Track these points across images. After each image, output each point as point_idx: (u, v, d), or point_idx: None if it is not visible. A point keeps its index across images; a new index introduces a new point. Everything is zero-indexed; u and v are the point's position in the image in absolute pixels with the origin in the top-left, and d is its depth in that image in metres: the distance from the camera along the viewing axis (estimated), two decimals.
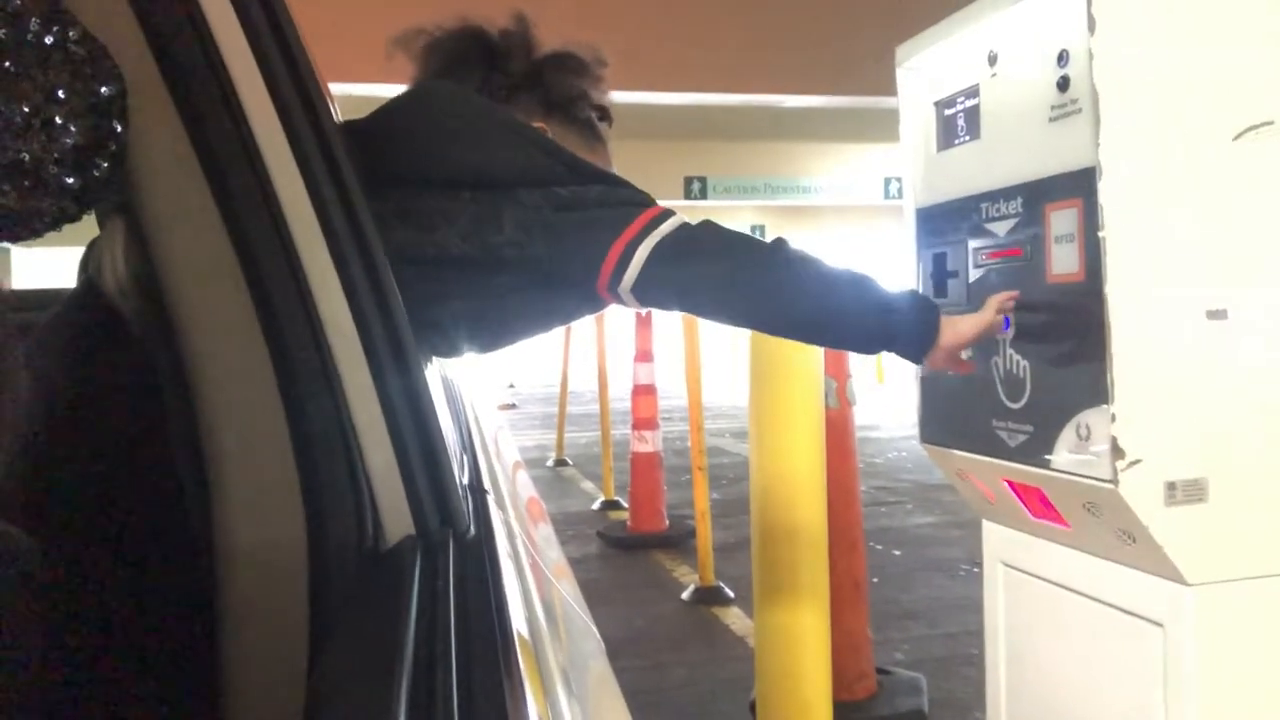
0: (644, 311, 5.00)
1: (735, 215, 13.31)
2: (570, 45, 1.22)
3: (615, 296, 1.05)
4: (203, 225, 0.59)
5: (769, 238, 1.12)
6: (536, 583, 0.75)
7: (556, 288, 1.06)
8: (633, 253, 1.01)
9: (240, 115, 0.58)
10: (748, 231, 1.11)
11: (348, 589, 0.59)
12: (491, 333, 1.08)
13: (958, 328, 1.21)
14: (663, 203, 1.07)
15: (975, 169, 1.47)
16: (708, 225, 1.08)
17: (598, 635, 0.94)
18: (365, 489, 0.61)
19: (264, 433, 0.61)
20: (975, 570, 4.32)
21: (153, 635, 0.62)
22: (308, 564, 0.61)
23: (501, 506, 0.86)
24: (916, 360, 1.20)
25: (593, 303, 1.08)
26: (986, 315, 1.27)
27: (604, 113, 1.25)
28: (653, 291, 1.03)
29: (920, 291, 1.34)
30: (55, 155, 0.45)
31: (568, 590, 1.00)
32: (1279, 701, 1.28)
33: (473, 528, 0.64)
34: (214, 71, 0.57)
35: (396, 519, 0.62)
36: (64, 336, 0.67)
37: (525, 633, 0.57)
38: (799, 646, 2.17)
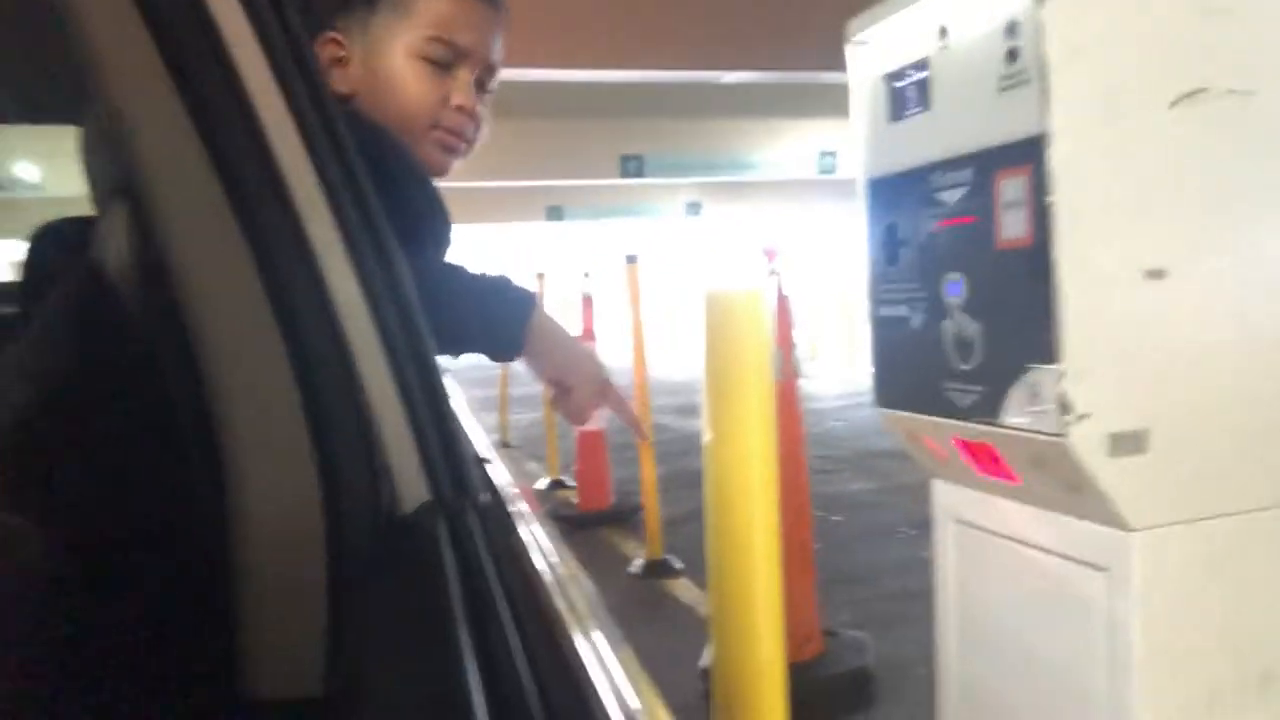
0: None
1: (673, 194, 13.34)
2: None
3: None
4: (211, 209, 0.59)
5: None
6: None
7: None
8: None
9: (246, 99, 0.58)
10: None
11: (369, 555, 0.60)
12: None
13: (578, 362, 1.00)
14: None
15: (926, 140, 1.52)
16: None
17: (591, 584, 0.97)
18: (379, 457, 0.62)
19: (276, 406, 0.62)
20: (914, 533, 4.46)
21: (170, 609, 0.62)
22: (324, 531, 0.62)
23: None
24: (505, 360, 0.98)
25: None
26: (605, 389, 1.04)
27: None
28: None
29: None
30: None
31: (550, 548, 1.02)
32: (1215, 636, 1.37)
33: (486, 493, 0.65)
34: (218, 58, 0.57)
35: (412, 485, 0.63)
36: (68, 322, 0.66)
37: (549, 584, 0.59)
38: (753, 611, 2.22)
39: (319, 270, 0.60)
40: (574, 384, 0.99)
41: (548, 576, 0.69)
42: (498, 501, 0.68)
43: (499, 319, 0.93)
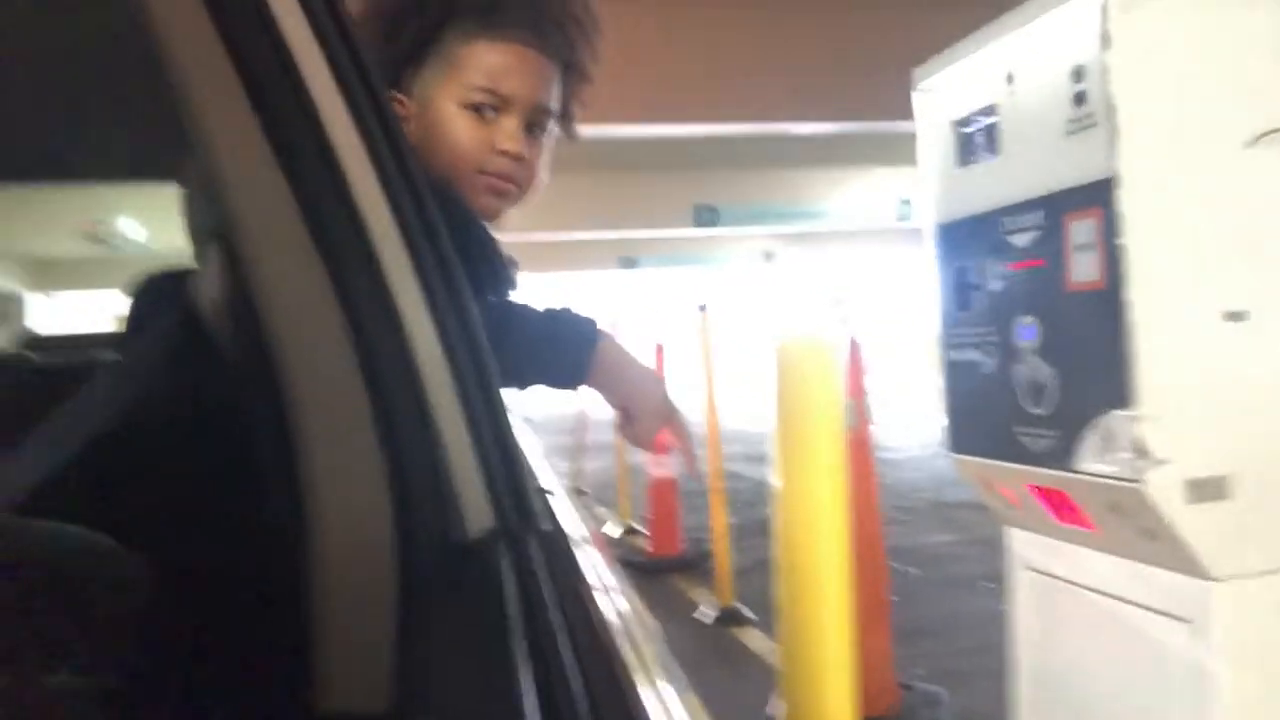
0: None
1: (747, 242, 13.36)
2: None
3: None
4: (298, 256, 0.63)
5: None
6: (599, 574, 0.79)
7: None
8: None
9: (332, 154, 0.63)
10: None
11: (436, 578, 0.63)
12: None
13: (647, 392, 1.01)
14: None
15: (995, 184, 1.52)
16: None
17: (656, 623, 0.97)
18: (448, 487, 0.65)
19: (353, 437, 0.65)
20: (993, 586, 4.31)
21: (249, 626, 0.66)
22: (395, 554, 0.65)
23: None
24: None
25: None
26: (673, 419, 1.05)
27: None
28: None
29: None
30: None
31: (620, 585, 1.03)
32: None
33: (548, 522, 0.68)
34: (304, 111, 0.62)
35: (478, 512, 0.66)
36: (162, 354, 0.71)
37: (610, 616, 0.60)
38: (823, 662, 2.19)
39: (396, 311, 0.64)
40: (639, 410, 0.99)
41: (613, 617, 0.71)
42: (559, 530, 0.71)
43: (564, 346, 0.94)
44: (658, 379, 1.01)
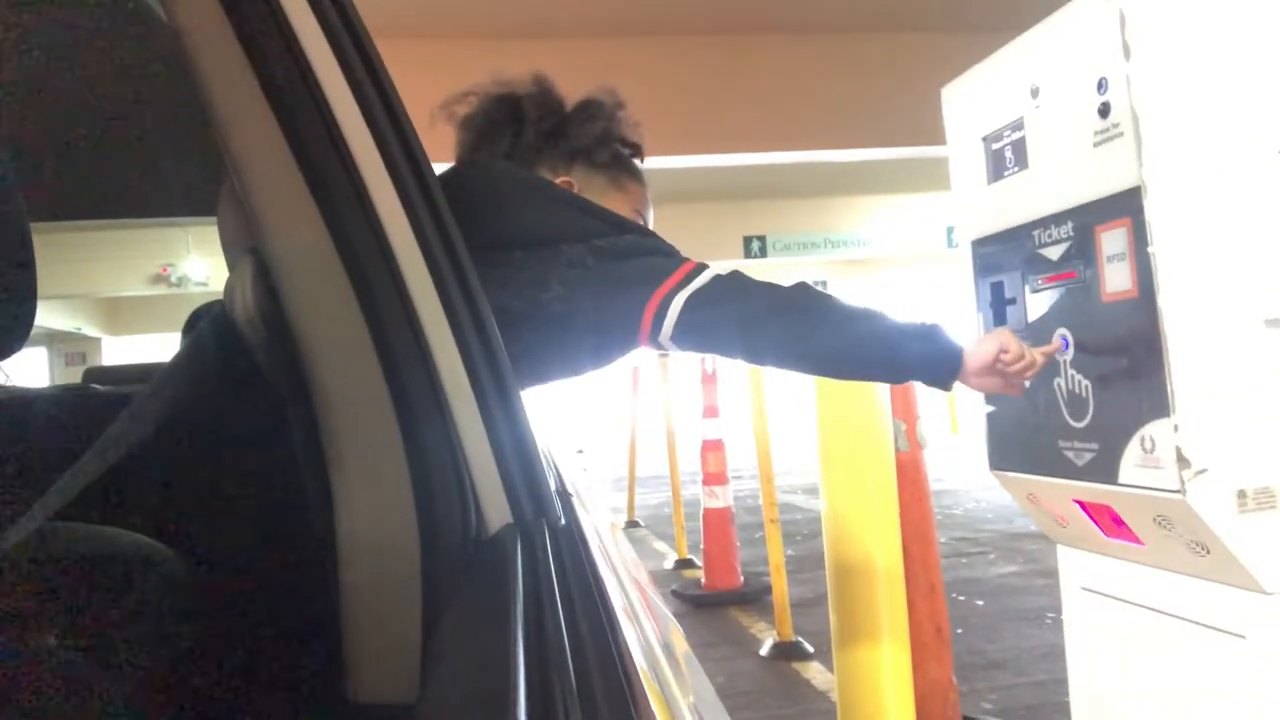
0: (670, 354, 5.08)
1: (797, 271, 13.35)
2: (589, 93, 1.28)
3: (654, 344, 1.12)
4: (323, 265, 0.68)
5: (831, 290, 1.18)
6: (619, 578, 0.81)
7: (601, 334, 1.14)
8: (668, 305, 1.08)
9: (354, 169, 0.67)
10: (811, 284, 1.18)
11: (456, 575, 0.66)
12: (535, 373, 1.14)
13: (980, 347, 1.19)
14: (723, 263, 1.15)
15: (1025, 198, 1.52)
16: (735, 275, 1.14)
17: (673, 618, 0.99)
18: (469, 485, 0.69)
19: (379, 440, 0.69)
20: (1062, 618, 4.21)
21: (284, 620, 0.69)
22: (420, 555, 0.68)
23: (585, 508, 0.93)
24: (945, 385, 1.19)
25: (630, 346, 1.15)
26: (1001, 336, 1.22)
27: (632, 149, 1.31)
28: (689, 338, 1.10)
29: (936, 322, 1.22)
30: None
31: (652, 595, 1.05)
32: None
33: (563, 518, 0.71)
34: (330, 135, 0.66)
35: (496, 510, 0.69)
36: (198, 363, 0.76)
37: (618, 607, 0.63)
38: (882, 691, 2.16)
39: (418, 321, 0.68)
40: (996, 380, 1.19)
41: (633, 617, 0.73)
42: (574, 527, 0.73)
43: (940, 357, 1.16)
44: (984, 349, 1.17)
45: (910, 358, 1.17)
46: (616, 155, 1.28)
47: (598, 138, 1.25)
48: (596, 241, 1.12)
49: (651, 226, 1.28)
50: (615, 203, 1.23)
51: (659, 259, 1.14)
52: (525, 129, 1.24)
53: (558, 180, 1.21)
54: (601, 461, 12.60)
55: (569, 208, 1.15)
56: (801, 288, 1.15)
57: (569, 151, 1.25)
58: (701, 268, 1.12)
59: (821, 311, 1.14)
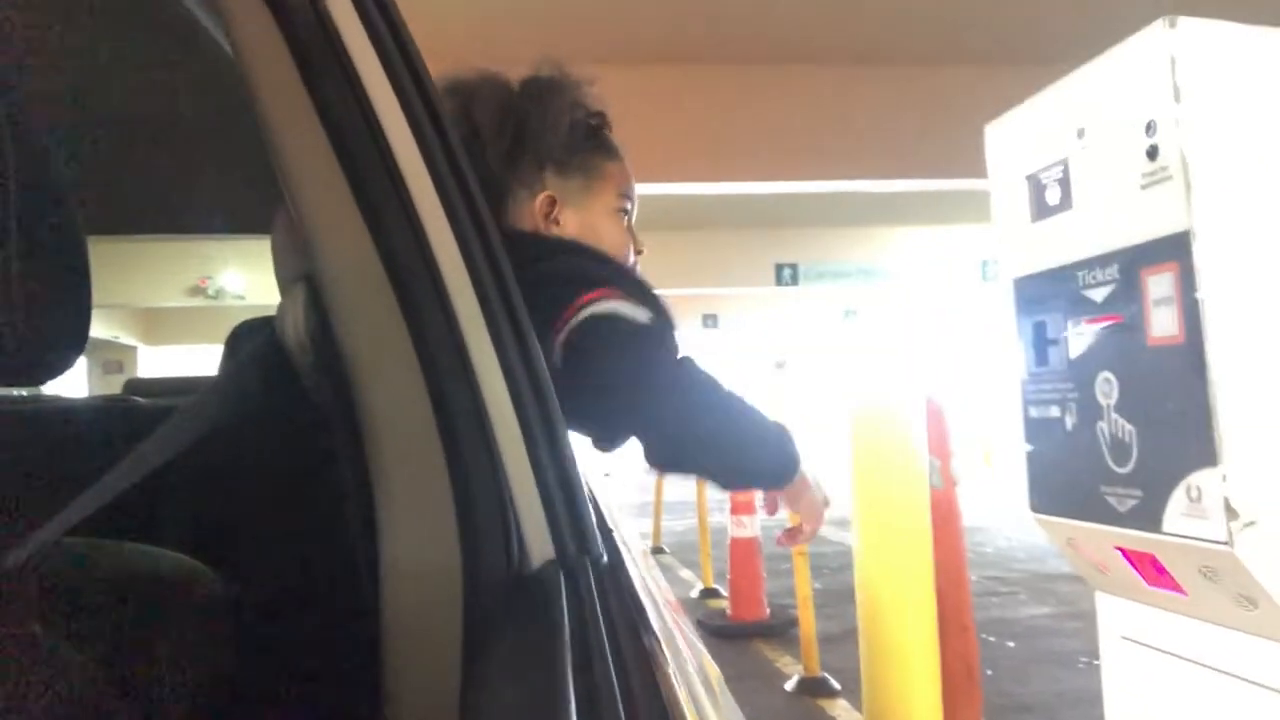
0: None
1: (829, 300, 13.31)
2: (535, 72, 1.15)
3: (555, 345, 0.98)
4: (373, 291, 0.68)
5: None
6: (660, 612, 0.80)
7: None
8: (578, 311, 0.95)
9: (408, 198, 0.68)
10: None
11: (498, 607, 0.66)
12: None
13: (817, 493, 1.13)
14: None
15: (1070, 238, 1.50)
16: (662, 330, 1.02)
17: (714, 665, 0.98)
18: (512, 518, 0.69)
19: (426, 472, 0.69)
20: (1095, 663, 4.11)
21: (326, 648, 0.70)
22: (462, 586, 0.68)
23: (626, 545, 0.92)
24: (780, 482, 1.10)
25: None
26: (821, 520, 1.17)
27: (598, 119, 1.16)
28: (570, 355, 0.94)
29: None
30: None
31: (685, 625, 1.04)
32: None
33: (605, 555, 0.70)
34: (386, 165, 0.67)
35: (539, 545, 0.69)
36: (243, 382, 0.77)
37: (660, 643, 0.62)
38: None
39: (466, 351, 0.68)
40: (809, 525, 1.16)
41: (673, 650, 0.73)
42: (616, 563, 0.73)
43: (774, 456, 1.07)
44: (826, 500, 1.14)
45: (772, 450, 1.06)
46: (586, 145, 1.15)
47: (563, 142, 1.14)
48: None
49: (635, 200, 1.18)
50: (599, 196, 1.13)
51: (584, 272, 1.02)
52: (486, 150, 1.12)
53: (536, 198, 1.11)
54: (628, 485, 12.57)
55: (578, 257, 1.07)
56: (687, 364, 1.01)
57: (537, 162, 1.13)
58: (621, 296, 0.98)
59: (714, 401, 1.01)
